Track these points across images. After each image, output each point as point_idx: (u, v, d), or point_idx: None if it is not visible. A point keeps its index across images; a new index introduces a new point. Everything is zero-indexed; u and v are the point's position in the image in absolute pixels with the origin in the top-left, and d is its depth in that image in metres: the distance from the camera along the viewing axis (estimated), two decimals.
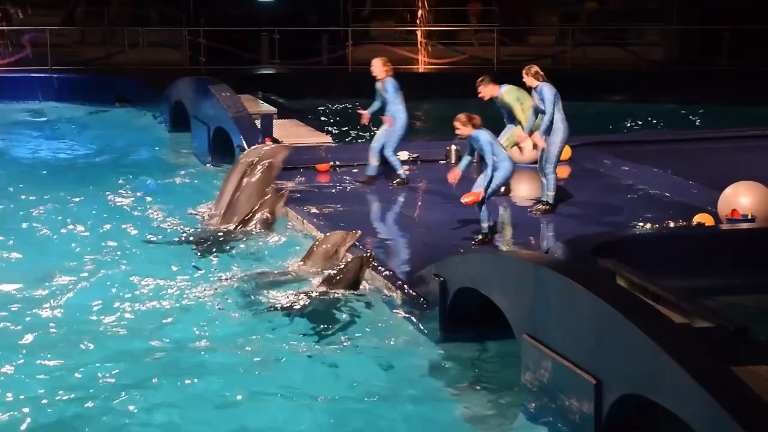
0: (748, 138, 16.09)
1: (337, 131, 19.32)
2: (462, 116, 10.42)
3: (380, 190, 13.24)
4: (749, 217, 10.41)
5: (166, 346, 8.47)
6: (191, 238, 11.52)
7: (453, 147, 14.95)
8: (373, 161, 13.48)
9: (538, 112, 11.57)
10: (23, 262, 10.68)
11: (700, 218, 10.65)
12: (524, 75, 11.38)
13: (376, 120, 13.78)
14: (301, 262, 10.41)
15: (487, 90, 12.66)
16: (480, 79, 12.78)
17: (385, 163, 13.46)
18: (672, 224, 10.70)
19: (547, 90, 11.28)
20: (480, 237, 10.47)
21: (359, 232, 10.75)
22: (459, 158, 14.77)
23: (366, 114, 13.68)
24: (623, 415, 6.46)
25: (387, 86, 13.23)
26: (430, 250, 10.58)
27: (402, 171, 13.51)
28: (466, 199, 10.34)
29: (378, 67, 13.30)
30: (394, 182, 13.45)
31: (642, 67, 25.25)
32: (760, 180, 10.90)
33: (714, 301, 8.57)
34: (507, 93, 12.52)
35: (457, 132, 10.49)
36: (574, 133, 13.54)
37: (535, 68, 11.42)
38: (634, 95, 22.88)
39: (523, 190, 14.06)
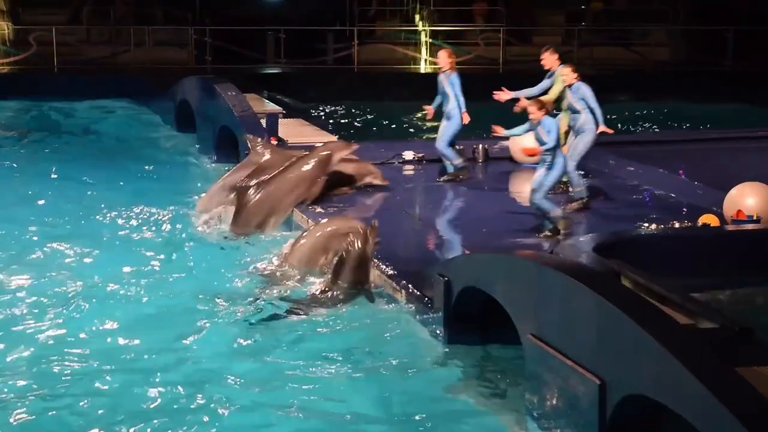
0: (754, 139, 16.08)
1: (342, 131, 19.33)
2: (535, 102, 10.74)
3: (390, 192, 13.12)
4: (754, 218, 10.39)
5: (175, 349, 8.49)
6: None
7: (459, 147, 14.92)
8: (451, 158, 13.42)
9: (571, 110, 11.67)
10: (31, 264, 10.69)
11: (705, 219, 10.63)
12: (563, 69, 11.54)
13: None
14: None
15: (549, 60, 12.64)
16: (546, 47, 12.83)
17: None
18: (677, 225, 10.70)
19: (586, 86, 11.57)
20: (549, 231, 10.62)
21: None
22: (465, 158, 14.84)
23: (430, 109, 13.54)
24: (627, 415, 6.45)
25: (452, 79, 13.15)
26: (434, 250, 10.60)
27: (458, 161, 13.45)
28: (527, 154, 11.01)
29: (444, 59, 13.24)
30: (442, 179, 13.53)
31: (647, 68, 25.24)
32: (765, 181, 10.89)
33: (719, 301, 8.56)
34: (564, 72, 12.23)
35: (531, 117, 10.67)
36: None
37: (571, 66, 11.64)
38: (640, 95, 22.87)
39: (527, 190, 14.07)
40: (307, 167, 12.02)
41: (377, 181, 12.87)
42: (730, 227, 10.44)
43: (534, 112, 10.54)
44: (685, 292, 7.73)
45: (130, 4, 26.83)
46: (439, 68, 13.33)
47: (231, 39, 24.57)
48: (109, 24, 26.13)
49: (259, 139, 13.09)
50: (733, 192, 10.77)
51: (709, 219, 10.62)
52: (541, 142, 10.54)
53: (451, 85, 13.14)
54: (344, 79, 24.11)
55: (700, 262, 9.34)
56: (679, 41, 26.05)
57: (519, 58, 25.50)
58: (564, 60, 12.86)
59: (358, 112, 21.88)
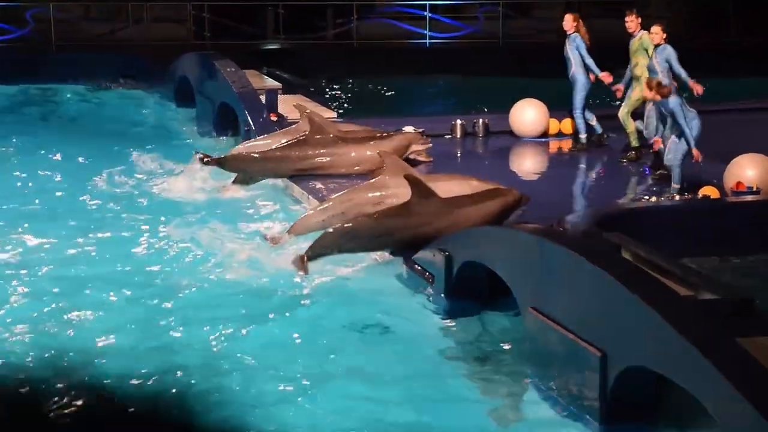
0: (753, 111, 16.05)
1: (342, 107, 19.29)
2: (655, 80, 10.92)
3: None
4: (754, 189, 10.40)
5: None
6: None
7: (459, 122, 14.94)
8: (580, 128, 13.55)
9: (651, 71, 11.81)
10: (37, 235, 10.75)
11: (705, 191, 10.65)
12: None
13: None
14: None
15: (633, 23, 12.55)
16: (630, 10, 12.72)
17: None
18: (677, 197, 10.71)
19: (671, 49, 11.69)
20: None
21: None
22: (465, 133, 14.85)
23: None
24: (628, 387, 6.49)
25: (577, 42, 13.28)
26: None
27: (584, 137, 13.57)
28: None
29: (569, 22, 13.37)
30: (575, 148, 13.66)
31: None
32: (765, 152, 10.89)
33: (719, 272, 8.59)
34: (655, 31, 12.05)
35: (647, 96, 10.91)
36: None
37: (661, 25, 11.55)
38: None
39: (528, 165, 14.10)
40: (383, 150, 11.96)
41: (422, 158, 12.80)
42: (730, 198, 10.45)
43: (655, 96, 10.77)
44: (685, 264, 7.76)
45: None
46: (565, 32, 13.39)
47: (230, 14, 24.45)
48: (106, 0, 25.96)
49: (312, 111, 13.16)
50: (733, 164, 10.77)
51: (709, 191, 10.63)
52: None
53: (575, 48, 13.26)
54: (344, 54, 24.01)
55: (701, 233, 9.36)
56: (681, 13, 25.91)
57: (519, 32, 25.40)
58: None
59: (358, 87, 21.82)
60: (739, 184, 10.50)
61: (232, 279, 9.40)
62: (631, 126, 12.70)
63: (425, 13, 25.00)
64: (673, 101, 10.70)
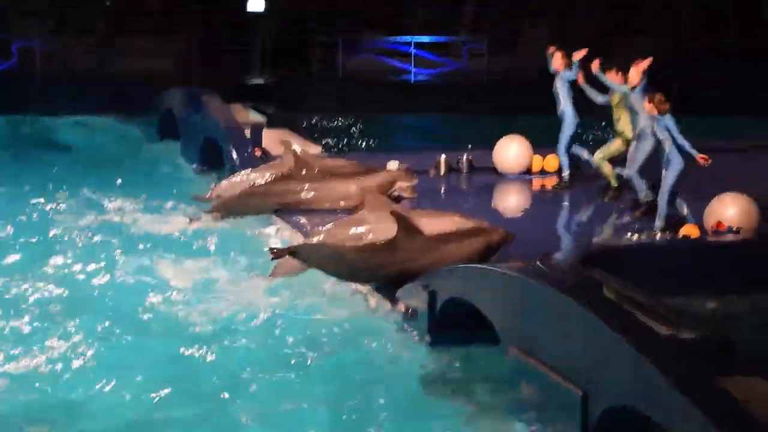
0: (733, 150, 16.19)
1: (327, 141, 19.36)
2: (658, 95, 10.76)
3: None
4: (734, 228, 10.49)
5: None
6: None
7: (443, 157, 15.02)
8: (564, 166, 13.60)
9: (632, 111, 11.85)
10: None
11: (686, 230, 10.72)
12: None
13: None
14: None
15: (617, 78, 12.36)
16: (611, 67, 12.57)
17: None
18: (658, 235, 10.78)
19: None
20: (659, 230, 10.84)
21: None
22: (449, 169, 14.92)
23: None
24: (610, 426, 6.51)
25: (560, 79, 13.27)
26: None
27: (567, 173, 13.59)
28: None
29: (558, 59, 13.36)
30: (558, 185, 13.71)
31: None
32: (745, 192, 10.98)
33: (699, 311, 8.64)
34: (632, 73, 12.09)
35: (646, 108, 10.83)
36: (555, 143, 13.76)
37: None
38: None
39: (511, 202, 14.17)
40: (367, 186, 12.19)
41: (406, 194, 12.78)
42: (710, 238, 10.53)
43: (651, 109, 10.74)
44: (666, 302, 7.81)
45: (116, 14, 26.73)
46: (554, 69, 13.39)
47: (216, 49, 24.57)
48: (94, 34, 26.03)
49: (299, 147, 13.23)
50: (714, 203, 10.86)
51: (690, 230, 10.71)
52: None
53: (563, 84, 13.27)
54: (330, 89, 24.14)
55: (681, 272, 9.43)
56: (660, 57, 26.19)
57: (503, 69, 25.61)
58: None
59: (343, 122, 21.93)
60: (719, 223, 10.59)
61: (216, 315, 9.39)
62: (607, 168, 12.82)
63: (410, 50, 25.20)
64: (670, 118, 10.70)
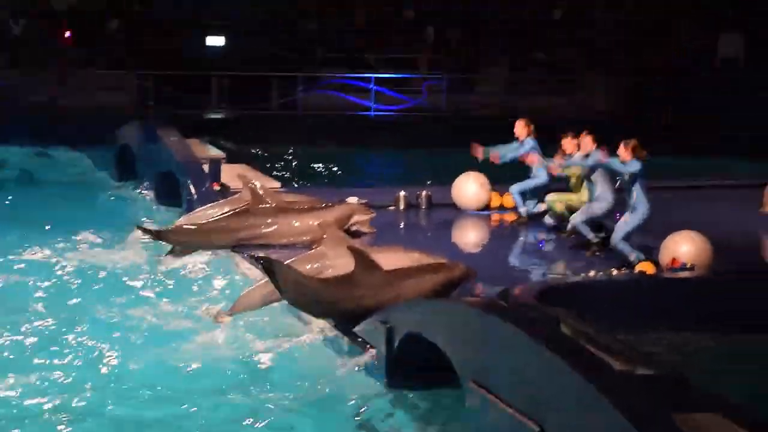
0: (688, 188, 16.42)
1: (286, 176, 19.33)
2: (633, 142, 11.02)
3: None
4: (689, 265, 10.61)
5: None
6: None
7: (402, 193, 15.05)
8: (520, 201, 13.91)
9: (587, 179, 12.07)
10: None
11: (641, 266, 10.83)
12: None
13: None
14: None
15: (570, 145, 12.83)
16: (566, 134, 12.96)
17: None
18: (615, 272, 10.87)
19: (600, 154, 11.72)
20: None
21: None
22: (408, 205, 14.96)
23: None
24: None
25: (524, 146, 13.56)
26: None
27: (523, 210, 13.86)
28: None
29: (520, 127, 13.68)
30: (516, 221, 13.93)
31: (587, 117, 25.64)
32: (699, 229, 11.12)
33: (655, 348, 8.70)
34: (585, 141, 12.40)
35: (619, 154, 11.00)
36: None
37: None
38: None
39: (470, 237, 14.24)
40: (325, 220, 12.15)
41: (364, 228, 12.84)
42: (666, 275, 10.63)
43: (622, 153, 10.99)
44: (622, 339, 7.85)
45: (72, 48, 26.61)
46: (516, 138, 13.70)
47: (174, 83, 24.52)
48: (48, 68, 25.86)
49: (257, 182, 13.16)
50: (668, 240, 10.99)
51: (646, 267, 10.81)
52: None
53: (523, 149, 13.57)
54: (289, 124, 24.17)
55: (638, 308, 9.50)
56: (619, 92, 26.54)
57: (462, 106, 25.83)
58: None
59: (302, 157, 21.92)
60: (674, 260, 10.71)
61: (172, 354, 9.27)
62: (559, 206, 12.94)
63: (370, 86, 25.33)
64: (636, 163, 10.89)
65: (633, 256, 11.01)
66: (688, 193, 15.96)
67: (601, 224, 12.01)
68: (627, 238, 11.03)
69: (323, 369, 9.03)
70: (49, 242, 13.22)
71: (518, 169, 13.88)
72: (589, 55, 27.58)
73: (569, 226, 12.28)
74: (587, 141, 12.42)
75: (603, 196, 11.84)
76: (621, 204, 11.53)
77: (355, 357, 9.12)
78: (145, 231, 12.47)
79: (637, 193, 10.95)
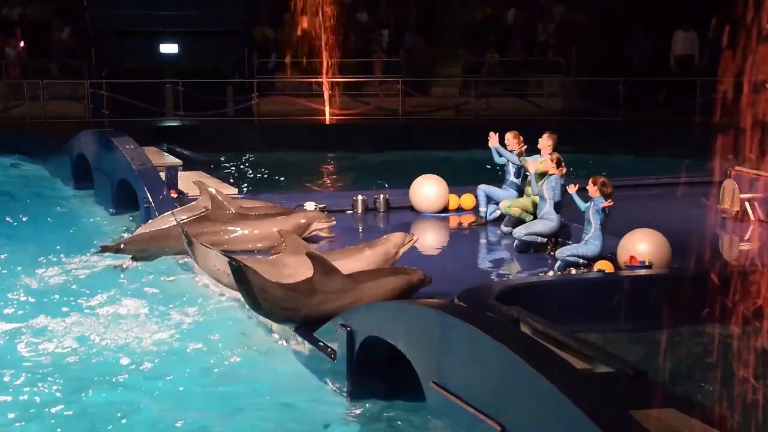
0: (645, 186, 16.56)
1: (243, 182, 19.25)
2: (601, 179, 11.07)
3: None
4: (646, 263, 10.70)
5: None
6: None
7: (360, 197, 15.05)
8: (484, 200, 13.98)
9: (539, 196, 12.17)
10: None
11: (600, 265, 10.90)
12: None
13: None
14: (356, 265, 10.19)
15: (517, 145, 13.29)
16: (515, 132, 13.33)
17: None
18: (573, 271, 10.94)
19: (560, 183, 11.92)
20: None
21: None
22: (366, 208, 14.95)
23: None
24: None
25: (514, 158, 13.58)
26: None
27: (484, 210, 13.93)
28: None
29: (510, 140, 13.73)
30: (475, 222, 14.03)
31: (542, 118, 25.83)
32: (656, 227, 11.23)
33: (614, 345, 8.76)
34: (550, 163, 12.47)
35: (589, 191, 11.06)
36: (477, 182, 13.96)
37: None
38: (536, 145, 23.28)
39: (428, 240, 14.25)
40: (286, 225, 12.14)
41: (324, 234, 12.86)
42: (624, 273, 10.72)
43: (591, 189, 11.04)
44: (581, 337, 7.90)
45: (25, 57, 26.32)
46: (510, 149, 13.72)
47: (128, 92, 24.33)
48: (0, 77, 25.57)
49: (213, 188, 13.13)
50: (626, 239, 11.08)
51: (604, 265, 10.89)
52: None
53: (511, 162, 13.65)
54: (245, 130, 24.09)
55: (596, 307, 9.56)
56: (573, 92, 26.74)
57: (417, 109, 25.90)
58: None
59: (259, 163, 21.85)
60: (632, 258, 10.79)
61: (134, 360, 9.22)
62: (514, 210, 13.01)
63: (325, 90, 25.32)
64: (601, 200, 10.99)
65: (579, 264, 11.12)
66: (645, 191, 16.08)
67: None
68: (572, 260, 11.10)
69: (282, 373, 9.02)
70: (4, 254, 13.07)
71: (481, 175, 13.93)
72: (544, 56, 27.78)
73: (515, 243, 12.28)
74: (544, 140, 12.55)
75: (549, 217, 11.98)
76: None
77: (316, 361, 9.10)
78: (106, 249, 12.46)
79: (595, 229, 11.02)
